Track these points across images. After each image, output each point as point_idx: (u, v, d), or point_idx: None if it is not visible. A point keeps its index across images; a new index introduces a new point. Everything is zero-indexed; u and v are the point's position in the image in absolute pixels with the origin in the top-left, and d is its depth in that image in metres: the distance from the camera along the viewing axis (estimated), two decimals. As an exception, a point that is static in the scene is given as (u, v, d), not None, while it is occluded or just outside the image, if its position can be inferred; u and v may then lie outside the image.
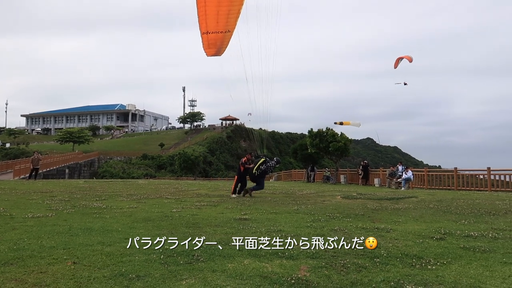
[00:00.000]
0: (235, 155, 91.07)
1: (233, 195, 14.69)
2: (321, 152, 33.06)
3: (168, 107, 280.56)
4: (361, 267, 4.87)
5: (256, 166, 14.83)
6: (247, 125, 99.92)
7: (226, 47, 12.44)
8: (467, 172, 24.03)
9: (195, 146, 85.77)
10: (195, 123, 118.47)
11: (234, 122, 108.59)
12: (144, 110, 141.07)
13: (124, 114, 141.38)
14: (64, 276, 4.45)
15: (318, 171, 36.44)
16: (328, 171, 35.66)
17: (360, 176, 30.29)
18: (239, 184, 15.15)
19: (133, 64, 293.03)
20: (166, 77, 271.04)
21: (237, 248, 5.77)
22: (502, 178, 21.82)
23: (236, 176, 15.12)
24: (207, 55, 12.63)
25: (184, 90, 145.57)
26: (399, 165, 26.61)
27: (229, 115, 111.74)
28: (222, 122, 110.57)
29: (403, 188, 23.28)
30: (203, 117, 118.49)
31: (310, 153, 33.66)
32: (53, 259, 5.14)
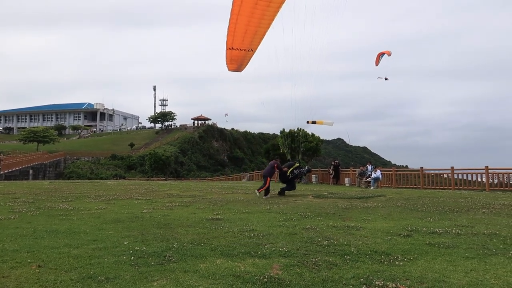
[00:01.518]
0: (207, 155, 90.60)
1: (265, 196, 14.62)
2: (293, 152, 33.37)
3: (138, 107, 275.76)
4: (332, 265, 4.94)
5: (290, 170, 15.78)
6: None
7: (246, 65, 13.05)
8: (432, 172, 24.86)
9: (166, 146, 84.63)
10: (166, 123, 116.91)
11: (206, 122, 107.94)
12: (113, 109, 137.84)
13: (92, 113, 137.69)
14: (28, 280, 4.29)
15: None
16: (300, 171, 36.00)
17: (331, 176, 30.76)
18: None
19: (102, 62, 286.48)
20: (136, 76, 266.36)
21: (210, 248, 5.75)
22: (465, 177, 22.72)
23: (268, 178, 15.17)
24: (229, 69, 13.17)
25: (155, 89, 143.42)
26: (368, 165, 27.23)
27: (201, 115, 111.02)
28: (194, 122, 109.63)
29: (372, 187, 23.82)
30: (175, 117, 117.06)
31: (282, 152, 33.88)
32: (16, 263, 4.94)
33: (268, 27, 11.89)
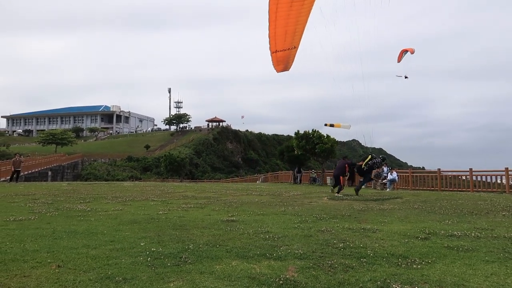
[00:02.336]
0: (222, 157, 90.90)
1: (339, 194, 15.95)
2: (308, 154, 33.23)
3: (153, 109, 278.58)
4: (348, 267, 4.90)
5: (365, 162, 16.44)
6: None
7: (292, 62, 13.63)
8: (449, 173, 24.44)
9: (181, 148, 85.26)
10: (181, 125, 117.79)
11: (221, 123, 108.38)
12: (129, 112, 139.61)
13: (109, 116, 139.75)
14: (48, 280, 4.37)
15: (304, 172, 36.58)
16: (315, 172, 35.84)
17: (346, 177, 30.48)
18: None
19: (118, 64, 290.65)
20: (151, 78, 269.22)
21: (225, 250, 5.77)
22: (484, 179, 22.26)
23: (341, 177, 16.86)
24: (277, 71, 13.78)
25: (170, 92, 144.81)
26: (385, 167, 26.89)
27: (215, 117, 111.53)
28: (208, 124, 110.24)
29: (388, 189, 23.54)
30: (189, 119, 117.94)
31: (296, 154, 33.79)
32: (36, 263, 5.04)
33: (305, 23, 12.51)
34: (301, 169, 36.05)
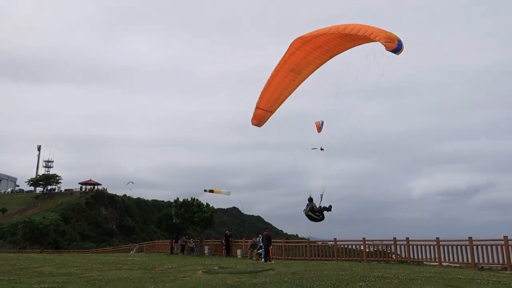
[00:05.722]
0: (94, 224, 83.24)
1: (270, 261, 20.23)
2: (186, 222, 32.60)
3: (18, 167, 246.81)
4: None
5: (306, 209, 15.81)
6: None
7: (265, 122, 15.75)
8: (318, 242, 26.26)
9: (46, 212, 75.90)
10: (49, 187, 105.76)
11: (96, 187, 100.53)
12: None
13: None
14: None
15: (182, 241, 35.47)
16: (193, 242, 35.00)
17: (224, 247, 30.43)
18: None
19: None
20: (18, 133, 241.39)
21: None
22: (347, 247, 24.41)
23: (269, 248, 22.13)
24: (252, 123, 15.63)
25: (39, 149, 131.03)
26: (260, 236, 27.68)
27: (90, 179, 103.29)
28: (81, 187, 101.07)
29: (262, 260, 24.04)
30: (60, 180, 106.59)
31: (175, 223, 32.88)
32: None
33: (288, 96, 14.98)
34: (179, 238, 34.92)
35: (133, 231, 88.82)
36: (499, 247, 17.64)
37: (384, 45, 10.74)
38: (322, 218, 15.64)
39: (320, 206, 15.77)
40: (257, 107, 15.37)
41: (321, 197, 15.94)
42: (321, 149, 30.15)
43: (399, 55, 11.14)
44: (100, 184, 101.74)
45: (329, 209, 16.37)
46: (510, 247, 17.17)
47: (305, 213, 15.67)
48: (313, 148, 31.36)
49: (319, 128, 30.29)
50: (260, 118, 15.99)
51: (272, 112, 15.90)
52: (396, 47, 10.89)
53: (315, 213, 15.51)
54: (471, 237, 18.78)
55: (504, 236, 17.48)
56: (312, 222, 15.94)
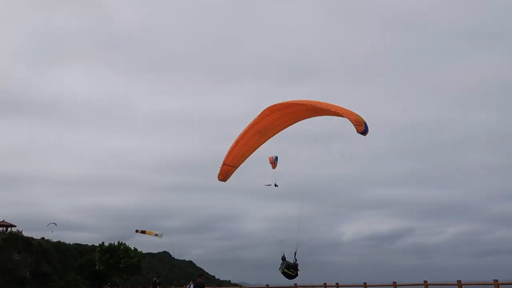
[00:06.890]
0: (2, 271, 74.47)
1: None
2: (111, 269, 30.49)
3: None
4: None
5: (282, 267, 16.42)
6: None
7: (229, 177, 16.90)
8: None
9: None
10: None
11: (10, 229, 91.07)
12: None
13: None
14: None
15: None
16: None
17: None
18: None
19: None
20: None
21: None
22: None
23: None
24: (218, 179, 16.76)
25: None
26: (191, 283, 26.63)
27: (3, 220, 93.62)
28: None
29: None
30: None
31: (98, 269, 30.60)
32: None
33: (251, 153, 16.59)
34: (102, 286, 32.43)
35: (50, 279, 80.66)
36: (420, 291, 18.65)
37: (355, 127, 12.46)
38: (297, 274, 16.33)
39: (294, 262, 16.38)
40: (224, 164, 16.30)
41: (295, 255, 16.55)
42: (275, 186, 28.78)
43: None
44: (15, 226, 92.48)
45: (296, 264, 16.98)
46: (429, 290, 18.19)
47: (281, 271, 16.31)
48: (267, 185, 29.89)
49: (273, 163, 29.46)
50: (226, 173, 17.03)
51: (236, 167, 16.96)
52: (363, 130, 12.64)
53: (290, 269, 16.21)
54: (395, 282, 19.76)
55: (424, 281, 18.62)
56: (287, 279, 16.57)
